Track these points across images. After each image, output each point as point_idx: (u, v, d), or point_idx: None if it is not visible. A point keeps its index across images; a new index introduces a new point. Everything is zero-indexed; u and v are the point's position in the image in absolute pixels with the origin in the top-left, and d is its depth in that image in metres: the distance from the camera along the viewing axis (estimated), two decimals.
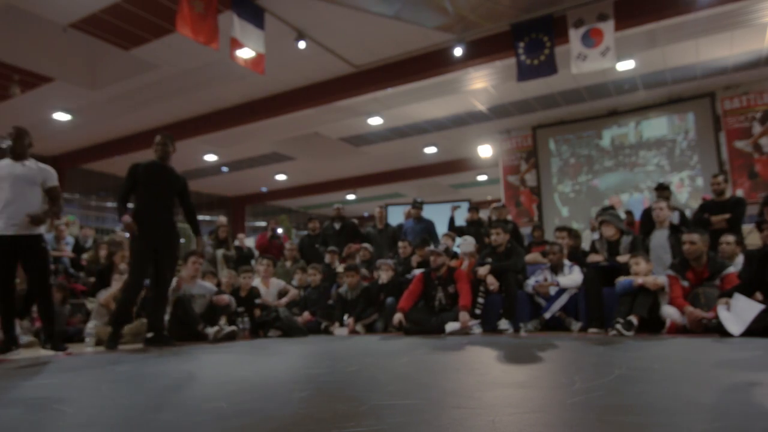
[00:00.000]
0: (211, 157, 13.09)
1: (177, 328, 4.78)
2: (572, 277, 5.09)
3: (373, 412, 1.54)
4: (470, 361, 2.92)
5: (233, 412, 1.58)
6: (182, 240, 4.90)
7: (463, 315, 4.76)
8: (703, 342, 3.40)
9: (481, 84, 8.93)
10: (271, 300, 5.98)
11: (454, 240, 6.92)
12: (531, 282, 5.30)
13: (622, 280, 4.38)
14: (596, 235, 5.67)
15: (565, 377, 2.14)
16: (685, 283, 4.21)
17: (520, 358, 2.89)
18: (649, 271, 4.42)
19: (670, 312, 4.13)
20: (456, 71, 8.06)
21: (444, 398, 1.75)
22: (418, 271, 5.69)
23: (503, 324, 4.88)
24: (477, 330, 4.89)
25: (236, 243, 8.15)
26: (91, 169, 13.45)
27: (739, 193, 8.56)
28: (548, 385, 2.03)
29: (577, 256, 5.68)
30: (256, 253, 8.37)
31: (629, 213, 8.13)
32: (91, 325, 4.78)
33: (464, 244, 5.97)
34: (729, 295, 3.79)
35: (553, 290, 5.13)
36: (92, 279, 6.45)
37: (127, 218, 4.22)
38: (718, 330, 3.70)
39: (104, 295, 5.25)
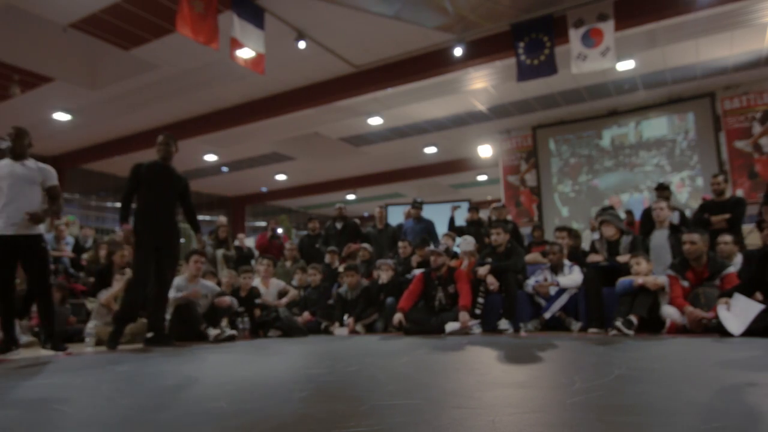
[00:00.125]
0: (211, 157, 13.09)
1: (178, 328, 4.78)
2: (572, 277, 5.09)
3: (373, 412, 1.54)
4: (470, 361, 2.92)
5: (233, 412, 1.58)
6: (182, 240, 4.89)
7: (463, 315, 4.76)
8: (703, 342, 3.40)
9: (481, 84, 8.93)
10: (271, 300, 5.98)
11: (454, 240, 6.92)
12: (531, 282, 5.30)
13: (622, 280, 4.38)
14: (596, 235, 5.67)
15: (565, 377, 2.14)
16: (685, 283, 4.21)
17: (520, 358, 2.89)
18: (650, 271, 4.43)
19: (670, 312, 4.13)
20: (456, 71, 8.06)
21: (444, 398, 1.75)
22: (418, 271, 5.69)
23: (503, 324, 4.87)
24: (477, 330, 4.89)
25: (236, 243, 8.15)
26: (91, 169, 13.45)
27: (739, 193, 8.56)
28: (548, 385, 2.03)
29: (577, 256, 5.68)
30: (256, 253, 8.37)
31: (629, 213, 8.13)
32: (91, 325, 4.78)
33: (464, 244, 5.97)
34: (729, 295, 3.79)
35: (553, 290, 5.13)
36: (92, 279, 6.45)
37: (127, 227, 4.28)
38: (718, 330, 3.70)
39: (105, 295, 5.25)
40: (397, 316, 4.93)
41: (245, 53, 6.41)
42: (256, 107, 9.50)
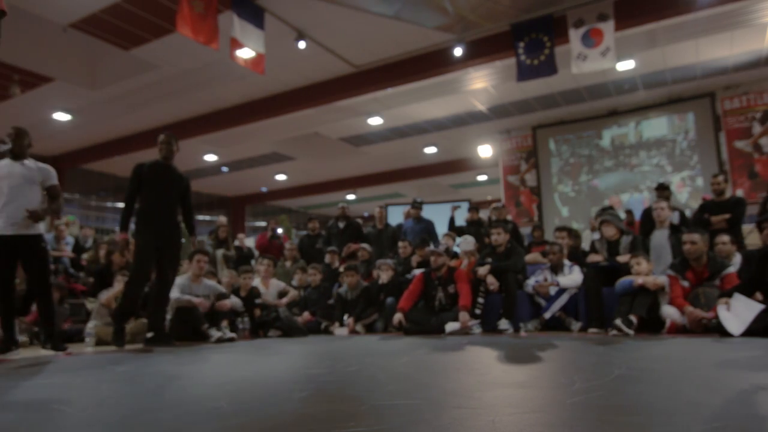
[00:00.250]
0: (211, 157, 13.09)
1: (179, 327, 4.78)
2: (572, 277, 5.09)
3: (373, 412, 1.54)
4: (470, 361, 2.92)
5: (233, 412, 1.58)
6: (182, 240, 4.89)
7: (463, 315, 4.76)
8: (703, 342, 3.40)
9: (481, 84, 8.93)
10: (271, 300, 5.98)
11: (454, 240, 6.92)
12: (531, 282, 5.30)
13: (621, 280, 4.38)
14: (596, 235, 5.66)
15: (564, 377, 2.14)
16: (685, 283, 4.21)
17: (520, 358, 2.89)
18: (650, 271, 4.43)
19: (670, 312, 4.13)
20: (456, 71, 8.06)
21: (444, 398, 1.75)
22: (418, 271, 5.69)
23: (503, 324, 4.87)
24: (477, 330, 4.89)
25: (236, 243, 8.15)
26: (91, 169, 13.45)
27: (739, 193, 8.56)
28: (548, 385, 2.03)
29: (577, 256, 5.68)
30: (256, 253, 8.37)
31: (629, 213, 8.13)
32: (91, 325, 4.78)
33: (464, 243, 5.97)
34: (729, 295, 3.79)
35: (553, 290, 5.13)
36: (92, 279, 6.46)
37: (123, 236, 4.36)
38: (718, 330, 3.70)
39: (106, 295, 5.24)
40: (397, 316, 4.93)
41: (245, 53, 6.41)
42: (256, 107, 9.51)
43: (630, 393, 1.72)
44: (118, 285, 5.27)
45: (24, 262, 3.94)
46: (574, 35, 6.63)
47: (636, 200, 10.04)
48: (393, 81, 8.28)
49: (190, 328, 4.79)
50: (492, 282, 5.05)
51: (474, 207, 8.18)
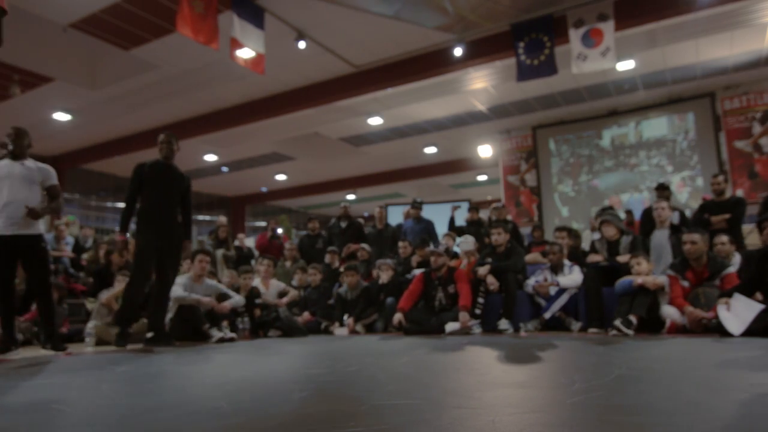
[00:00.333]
0: (211, 157, 13.09)
1: (180, 327, 4.77)
2: (572, 277, 5.09)
3: (373, 412, 1.54)
4: (470, 361, 2.92)
5: (233, 412, 1.58)
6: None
7: (463, 315, 4.76)
8: (703, 342, 3.40)
9: (481, 84, 8.93)
10: (271, 301, 5.97)
11: (454, 240, 6.92)
12: (531, 282, 5.30)
13: (621, 281, 4.38)
14: (597, 235, 5.66)
15: (564, 377, 2.14)
16: (685, 283, 4.21)
17: (520, 358, 2.89)
18: (650, 270, 4.43)
19: (670, 312, 4.13)
20: (456, 71, 8.06)
21: (444, 398, 1.75)
22: (418, 271, 5.69)
23: (503, 324, 4.88)
24: (477, 330, 4.89)
25: (236, 243, 8.14)
26: (91, 169, 13.45)
27: (739, 193, 8.56)
28: (548, 385, 2.03)
29: (577, 256, 5.68)
30: (256, 253, 8.37)
31: (629, 213, 8.13)
32: (91, 325, 4.78)
33: (464, 243, 5.97)
34: (729, 295, 3.79)
35: (553, 290, 5.13)
36: (92, 279, 6.45)
37: (122, 238, 4.39)
38: (718, 330, 3.70)
39: (106, 294, 5.24)
40: (397, 316, 4.93)
41: (245, 53, 6.41)
42: (256, 107, 9.51)
43: (630, 393, 1.72)
44: (119, 285, 5.27)
45: (24, 262, 3.94)
46: (574, 35, 6.63)
47: (636, 200, 10.04)
48: (393, 81, 8.28)
49: (190, 328, 4.78)
50: (492, 282, 5.05)
51: (474, 207, 8.18)
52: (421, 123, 11.18)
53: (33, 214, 3.78)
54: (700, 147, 9.75)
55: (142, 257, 4.23)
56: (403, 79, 8.19)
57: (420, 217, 7.52)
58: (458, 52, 7.27)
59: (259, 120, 9.74)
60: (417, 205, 7.59)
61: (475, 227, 7.31)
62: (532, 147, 11.37)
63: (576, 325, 4.83)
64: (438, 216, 8.20)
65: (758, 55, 8.31)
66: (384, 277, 5.79)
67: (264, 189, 17.26)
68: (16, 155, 3.93)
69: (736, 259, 4.52)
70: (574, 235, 6.43)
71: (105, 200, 14.81)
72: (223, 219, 7.97)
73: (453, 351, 3.36)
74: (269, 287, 6.08)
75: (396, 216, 10.56)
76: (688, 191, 9.74)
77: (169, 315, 4.72)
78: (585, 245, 6.91)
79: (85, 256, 7.23)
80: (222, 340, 4.68)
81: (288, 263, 7.29)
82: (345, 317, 5.64)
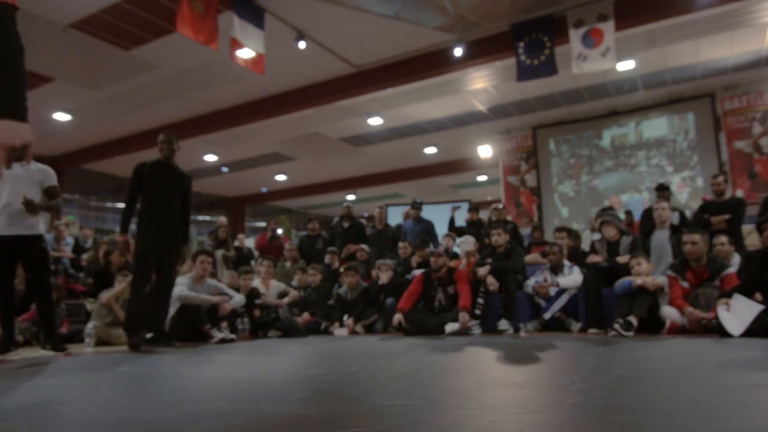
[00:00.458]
0: (211, 157, 13.09)
1: (180, 327, 4.77)
2: (572, 277, 5.09)
3: (373, 413, 1.54)
4: (470, 361, 2.92)
5: (233, 412, 1.58)
6: None
7: (463, 315, 4.76)
8: (702, 342, 3.40)
9: (481, 84, 8.93)
10: (271, 301, 5.97)
11: (454, 240, 6.93)
12: (531, 282, 5.30)
13: (621, 281, 4.38)
14: (597, 236, 5.66)
15: (564, 378, 2.14)
16: (685, 284, 4.21)
17: (520, 358, 2.89)
18: (651, 271, 4.43)
19: (669, 312, 4.13)
20: (456, 71, 8.06)
21: (444, 398, 1.75)
22: (418, 272, 5.69)
23: (503, 324, 4.88)
24: (477, 330, 4.89)
25: (236, 243, 8.14)
26: (91, 169, 13.45)
27: (739, 193, 8.56)
28: (548, 385, 2.03)
29: (577, 256, 5.69)
30: (256, 253, 8.37)
31: (628, 213, 8.13)
32: (90, 326, 4.77)
33: (464, 243, 5.98)
34: (729, 295, 3.79)
35: (552, 291, 5.13)
36: (91, 279, 6.45)
37: (123, 238, 4.36)
38: (717, 330, 3.70)
39: (106, 294, 5.24)
40: (397, 317, 4.93)
41: (245, 53, 6.41)
42: (256, 107, 9.51)
43: (630, 393, 1.72)
44: (119, 285, 5.27)
45: (24, 262, 3.94)
46: (574, 35, 6.63)
47: (636, 200, 10.04)
48: (393, 81, 8.29)
49: (191, 328, 4.78)
50: (492, 282, 5.05)
51: (474, 207, 8.18)
52: (421, 123, 11.18)
53: (30, 207, 3.77)
54: (700, 147, 9.75)
55: (142, 258, 4.22)
56: (403, 79, 8.19)
57: (420, 218, 7.52)
58: (458, 52, 7.27)
59: (259, 120, 9.74)
60: (417, 206, 7.59)
61: (475, 228, 7.31)
62: (532, 147, 11.37)
63: (576, 326, 4.83)
64: (438, 216, 8.20)
65: (758, 55, 8.31)
66: (384, 277, 5.79)
67: (264, 189, 17.25)
68: (17, 157, 3.92)
69: (736, 260, 4.52)
70: (573, 235, 6.43)
71: (105, 200, 14.81)
72: (223, 219, 7.97)
73: (453, 351, 3.36)
74: (269, 288, 6.09)
75: (396, 216, 10.56)
76: (688, 192, 9.74)
77: (170, 314, 4.71)
78: (585, 246, 6.91)
79: (84, 256, 7.23)
80: (223, 341, 4.68)
81: (288, 264, 7.29)
82: (345, 318, 5.64)
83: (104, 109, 9.56)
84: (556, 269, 5.25)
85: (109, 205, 14.86)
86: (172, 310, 4.72)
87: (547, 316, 4.97)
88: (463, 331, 4.73)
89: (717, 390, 1.79)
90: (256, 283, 5.92)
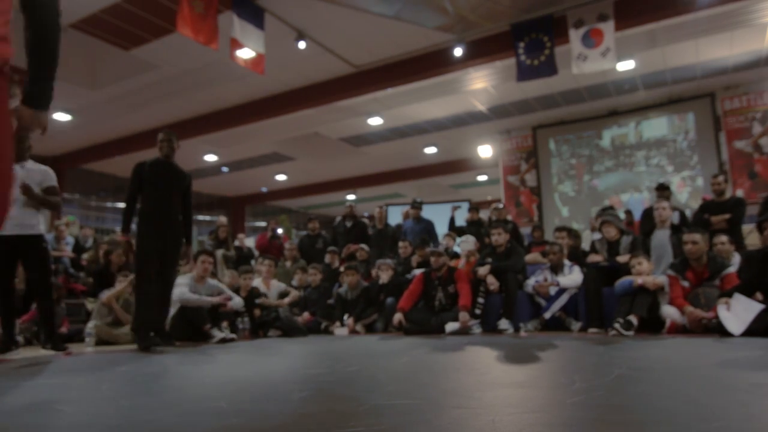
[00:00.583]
0: (211, 157, 13.09)
1: (181, 326, 4.77)
2: (572, 277, 5.09)
3: (373, 412, 1.54)
4: (470, 361, 2.92)
5: (233, 412, 1.58)
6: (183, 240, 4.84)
7: (463, 315, 4.76)
8: (703, 342, 3.40)
9: (481, 84, 8.93)
10: (271, 301, 5.97)
11: (454, 240, 6.93)
12: (531, 282, 5.30)
13: (621, 281, 4.38)
14: (597, 235, 5.66)
15: (564, 377, 2.14)
16: (685, 283, 4.21)
17: (520, 358, 2.89)
18: (651, 271, 4.43)
19: (670, 312, 4.13)
20: (456, 71, 8.06)
21: (444, 398, 1.75)
22: (418, 271, 5.69)
23: (503, 324, 4.88)
24: (477, 330, 4.89)
25: (236, 243, 8.15)
26: (91, 169, 13.45)
27: (739, 193, 8.56)
28: (548, 385, 2.03)
29: (577, 256, 5.69)
30: (256, 253, 8.37)
31: (628, 213, 8.13)
32: (91, 325, 4.78)
33: (464, 243, 5.98)
34: (729, 295, 3.79)
35: (553, 290, 5.13)
36: (92, 279, 6.45)
37: (125, 238, 4.35)
38: (718, 330, 3.70)
39: (107, 294, 5.24)
40: (397, 316, 4.93)
41: (245, 53, 6.41)
42: (256, 107, 9.50)
43: (630, 393, 1.72)
44: (119, 285, 5.27)
45: (24, 262, 3.94)
46: (574, 35, 6.62)
47: (636, 200, 10.04)
48: (393, 81, 8.28)
49: (191, 328, 4.78)
50: (492, 282, 5.05)
51: (474, 207, 8.18)
52: (421, 123, 11.17)
53: (27, 191, 3.77)
54: (700, 147, 9.75)
55: (144, 259, 4.21)
56: (403, 79, 8.18)
57: (420, 217, 7.53)
58: (458, 52, 7.27)
59: (259, 120, 9.73)
60: (417, 205, 7.60)
61: (475, 227, 7.32)
62: (532, 147, 11.37)
63: (576, 325, 4.83)
64: (438, 216, 8.20)
65: (758, 55, 8.31)
66: (384, 277, 5.80)
67: (264, 189, 17.25)
68: (18, 157, 3.93)
69: (736, 260, 4.53)
70: (574, 235, 6.43)
71: (105, 200, 14.80)
72: (223, 219, 7.97)
73: (453, 351, 3.36)
74: (270, 287, 6.09)
75: (396, 216, 10.56)
76: (688, 191, 9.74)
77: (170, 314, 4.71)
78: (585, 245, 6.91)
79: (85, 256, 7.23)
80: (224, 341, 4.68)
81: (288, 263, 7.29)
82: (345, 317, 5.64)
83: (104, 109, 9.56)
84: (557, 269, 5.26)
85: (109, 205, 14.86)
86: (172, 310, 4.73)
87: (547, 315, 4.98)
88: (464, 331, 4.73)
89: (717, 390, 1.79)
90: (257, 282, 5.93)
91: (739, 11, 6.64)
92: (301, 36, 7.15)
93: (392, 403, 1.68)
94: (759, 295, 3.79)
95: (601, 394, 1.70)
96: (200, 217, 16.77)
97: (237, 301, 5.25)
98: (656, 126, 10.19)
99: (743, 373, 2.17)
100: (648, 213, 5.85)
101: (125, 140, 11.24)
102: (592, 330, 4.48)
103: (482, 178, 15.46)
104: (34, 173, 3.95)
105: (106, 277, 5.99)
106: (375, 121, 10.66)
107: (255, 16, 6.44)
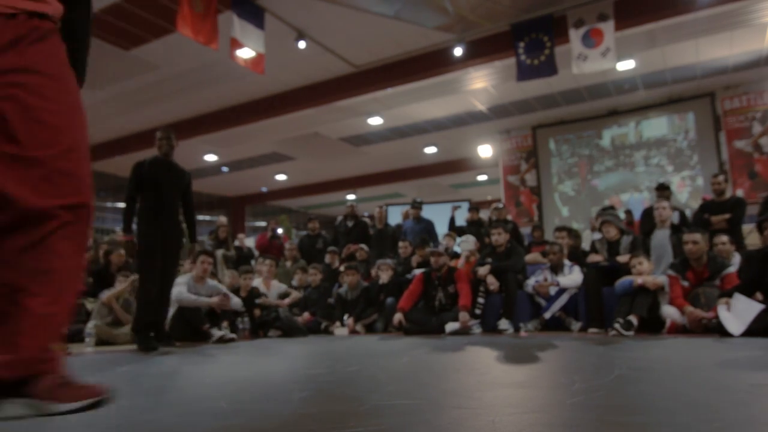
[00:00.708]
0: (211, 157, 13.09)
1: (180, 327, 4.77)
2: (572, 277, 5.09)
3: (373, 412, 1.54)
4: (470, 361, 2.92)
5: (233, 412, 1.58)
6: (183, 240, 4.85)
7: (463, 315, 4.76)
8: (703, 342, 3.40)
9: (481, 84, 8.94)
10: (272, 301, 5.97)
11: (454, 240, 6.93)
12: (531, 282, 5.30)
13: (621, 281, 4.38)
14: (597, 235, 5.66)
15: (564, 377, 2.14)
16: (685, 283, 4.21)
17: (520, 358, 2.89)
18: (651, 270, 4.43)
19: (670, 312, 4.13)
20: (456, 71, 8.07)
21: (444, 398, 1.75)
22: (418, 271, 5.69)
23: (503, 324, 4.88)
24: (477, 330, 4.89)
25: (236, 243, 8.15)
26: (91, 169, 13.44)
27: (739, 193, 8.56)
28: (548, 385, 2.03)
29: (577, 256, 5.69)
30: (256, 253, 8.37)
31: (628, 213, 8.13)
32: (91, 325, 4.78)
33: (465, 243, 5.98)
34: (729, 295, 3.79)
35: (553, 290, 5.13)
36: (91, 279, 6.45)
37: (127, 238, 4.32)
38: (718, 330, 3.70)
39: (107, 293, 5.24)
40: (397, 316, 4.93)
41: (245, 53, 6.41)
42: (256, 107, 9.51)
43: (630, 393, 1.72)
44: (119, 285, 5.26)
45: None
46: (575, 35, 6.63)
47: (636, 200, 10.04)
48: (393, 81, 8.29)
49: (191, 328, 4.78)
50: (492, 282, 5.05)
51: (474, 207, 8.18)
52: (421, 123, 11.18)
53: None
54: (700, 147, 9.75)
55: (147, 258, 4.20)
56: (403, 79, 8.19)
57: (420, 217, 7.53)
58: (458, 52, 7.27)
59: (259, 120, 9.74)
60: (417, 205, 7.60)
61: (475, 227, 7.32)
62: (532, 147, 11.37)
63: (576, 325, 4.83)
64: (438, 216, 8.21)
65: (758, 55, 8.31)
66: (384, 277, 5.80)
67: (264, 189, 17.26)
68: None
69: (736, 259, 4.53)
70: (574, 235, 6.43)
71: (105, 200, 14.80)
72: (223, 219, 7.97)
73: (453, 351, 3.36)
74: (270, 288, 6.09)
75: (396, 216, 10.56)
76: (688, 191, 9.74)
77: (170, 314, 4.71)
78: (585, 245, 6.91)
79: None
80: (222, 339, 4.68)
81: (288, 263, 7.29)
82: (345, 317, 5.64)
83: (104, 109, 9.56)
84: (557, 269, 5.26)
85: (109, 204, 14.86)
86: (171, 310, 4.73)
87: (547, 315, 4.98)
88: (464, 331, 4.73)
89: (717, 390, 1.79)
90: (257, 282, 5.93)
91: (739, 11, 6.65)
92: (301, 36, 7.15)
93: (392, 403, 1.68)
94: (759, 295, 3.79)
95: (601, 394, 1.70)
96: (200, 217, 16.76)
97: (236, 301, 5.25)
98: (656, 126, 10.19)
99: (743, 374, 2.17)
100: (648, 213, 5.85)
101: (125, 140, 11.24)
102: (592, 330, 4.48)
103: (482, 177, 15.46)
104: None
105: (106, 277, 5.99)
106: (375, 121, 10.66)
107: (255, 15, 6.45)
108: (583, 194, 10.80)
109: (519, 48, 6.96)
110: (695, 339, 3.61)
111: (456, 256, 6.36)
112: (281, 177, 15.47)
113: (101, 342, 4.74)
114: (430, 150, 13.04)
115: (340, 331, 5.54)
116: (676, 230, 5.03)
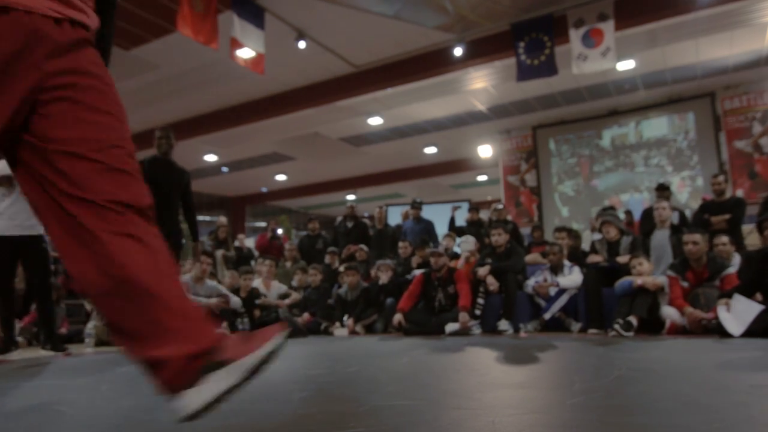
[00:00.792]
0: (211, 157, 13.09)
1: None
2: (572, 277, 5.09)
3: (373, 413, 1.54)
4: (470, 361, 2.92)
5: (233, 412, 1.58)
6: (183, 241, 4.85)
7: (463, 315, 4.76)
8: (703, 343, 3.40)
9: (481, 84, 8.93)
10: (272, 301, 5.97)
11: (454, 240, 6.93)
12: (531, 282, 5.30)
13: (621, 281, 4.38)
14: (597, 236, 5.66)
15: (564, 378, 2.14)
16: (685, 284, 4.21)
17: (520, 358, 2.89)
18: (651, 271, 4.43)
19: (670, 313, 4.13)
20: (456, 71, 8.06)
21: (444, 399, 1.75)
22: (418, 272, 5.69)
23: (503, 324, 4.88)
24: (477, 330, 4.89)
25: (236, 243, 8.15)
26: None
27: (739, 193, 8.56)
28: (548, 385, 2.03)
29: (577, 256, 5.69)
30: (256, 253, 8.37)
31: (628, 213, 8.13)
32: (90, 326, 4.78)
33: (464, 243, 5.98)
34: (729, 295, 3.79)
35: (552, 291, 5.13)
36: None
37: None
38: (718, 331, 3.70)
39: None
40: (397, 317, 4.93)
41: (245, 53, 6.41)
42: (256, 107, 9.51)
43: (630, 393, 1.72)
44: None
45: (24, 262, 3.94)
46: (575, 35, 6.62)
47: (636, 200, 10.03)
48: (393, 81, 8.28)
49: None
50: (492, 282, 5.05)
51: (474, 207, 8.18)
52: (421, 123, 11.17)
53: None
54: (700, 147, 9.75)
55: None
56: (403, 79, 8.18)
57: (420, 218, 7.53)
58: (458, 52, 7.27)
59: (259, 120, 9.73)
60: (417, 206, 7.59)
61: (475, 227, 7.31)
62: (532, 147, 11.36)
63: (576, 326, 4.83)
64: (438, 216, 8.20)
65: (758, 55, 8.31)
66: (384, 277, 5.79)
67: (264, 189, 17.25)
68: None
69: (736, 260, 4.52)
70: (574, 235, 6.43)
71: None
72: (223, 219, 7.98)
73: (453, 352, 3.36)
74: (270, 288, 6.09)
75: (396, 216, 10.56)
76: (688, 191, 9.74)
77: None
78: (585, 246, 6.91)
79: None
80: None
81: (288, 264, 7.29)
82: (345, 318, 5.64)
83: None
84: (556, 269, 5.25)
85: None
86: None
87: (547, 316, 4.97)
88: (463, 331, 4.73)
89: (717, 390, 1.79)
90: (257, 283, 5.93)
91: (739, 11, 6.64)
92: (301, 36, 7.15)
93: (392, 403, 1.68)
94: (759, 296, 3.79)
95: (601, 395, 1.70)
96: (200, 218, 16.70)
97: (235, 301, 5.25)
98: (656, 126, 10.19)
99: (743, 374, 2.17)
100: (648, 213, 5.85)
101: None
102: (591, 331, 4.48)
103: (482, 178, 15.46)
104: None
105: None
106: (375, 121, 10.66)
107: (255, 15, 6.44)
108: (583, 194, 10.80)
109: (519, 48, 6.96)
110: (695, 340, 3.61)
111: (456, 256, 6.36)
112: (281, 177, 15.46)
113: (101, 342, 4.74)
114: (430, 150, 13.04)
115: (339, 331, 5.54)
116: (676, 231, 5.02)
